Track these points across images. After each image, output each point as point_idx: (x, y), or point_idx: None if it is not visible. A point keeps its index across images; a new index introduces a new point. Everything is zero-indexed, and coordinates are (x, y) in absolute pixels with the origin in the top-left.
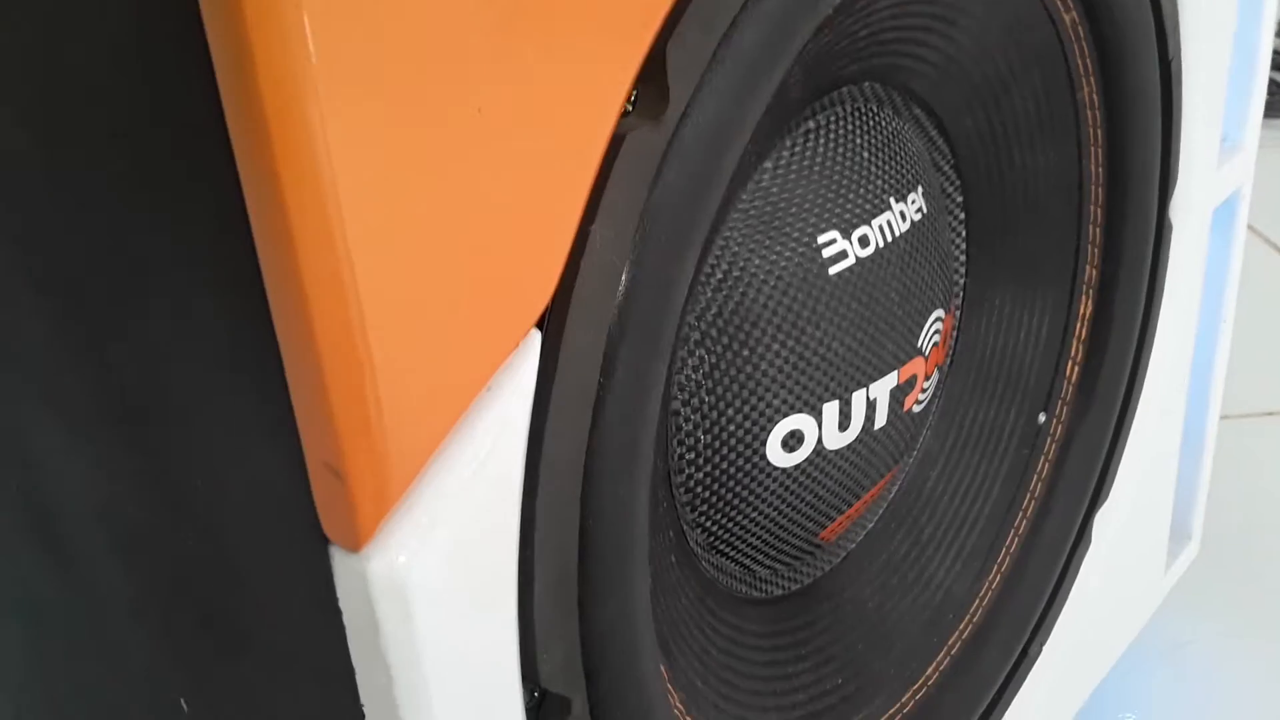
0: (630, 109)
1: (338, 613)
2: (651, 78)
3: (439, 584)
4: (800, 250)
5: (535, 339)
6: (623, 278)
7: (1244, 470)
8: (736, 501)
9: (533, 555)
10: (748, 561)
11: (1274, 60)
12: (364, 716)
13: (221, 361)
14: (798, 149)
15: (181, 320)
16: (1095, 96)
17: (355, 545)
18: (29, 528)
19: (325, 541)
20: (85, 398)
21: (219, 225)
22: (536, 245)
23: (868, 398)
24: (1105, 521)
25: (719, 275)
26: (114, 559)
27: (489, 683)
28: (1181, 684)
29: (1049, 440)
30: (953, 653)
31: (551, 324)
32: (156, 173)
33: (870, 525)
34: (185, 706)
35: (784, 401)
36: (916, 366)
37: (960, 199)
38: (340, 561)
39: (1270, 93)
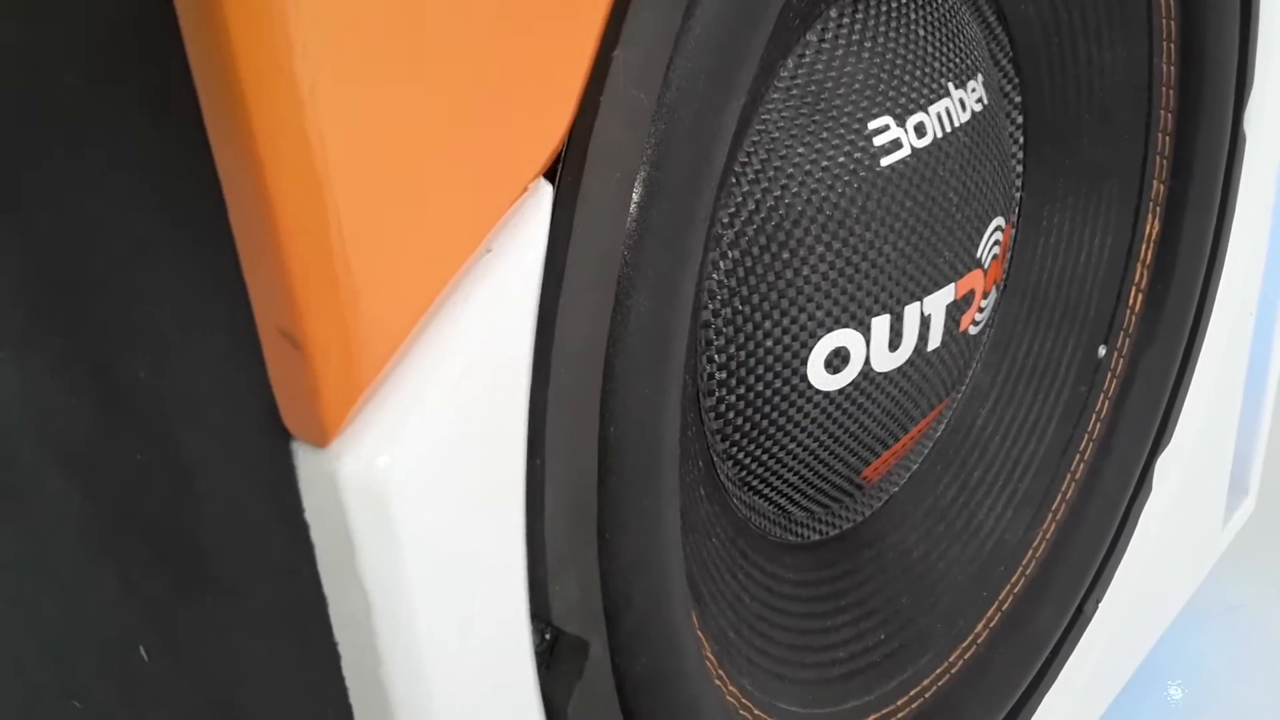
0: None
1: (305, 527)
2: None
3: (426, 492)
4: (849, 138)
5: (545, 191)
6: (652, 121)
7: None
8: (773, 429)
9: (543, 465)
10: (783, 500)
11: None
12: (340, 658)
13: (154, 201)
14: (845, 20)
15: (103, 155)
16: None
17: (321, 439)
18: None
19: (287, 436)
20: (4, 270)
21: (141, 26)
22: (542, 69)
23: (922, 313)
24: (1166, 468)
25: (756, 165)
26: (58, 479)
27: (489, 618)
28: (1233, 648)
29: (1109, 375)
30: (1004, 608)
31: (566, 174)
32: None
33: (915, 467)
34: (146, 656)
35: (828, 314)
36: (975, 280)
37: (1018, 99)
38: (305, 461)
39: None
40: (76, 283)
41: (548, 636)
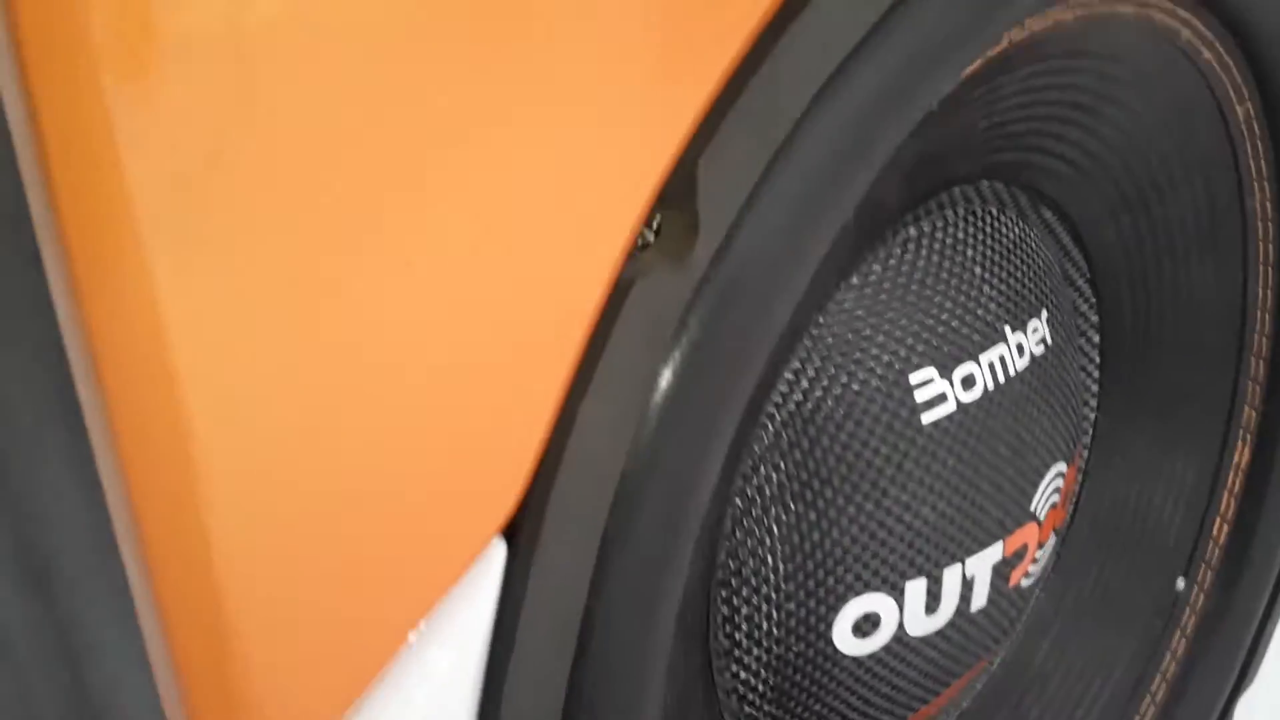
0: (647, 241)
1: None
2: (676, 201)
3: None
4: (887, 391)
5: (498, 552)
6: (621, 471)
7: None
8: (795, 692)
9: None
10: None
11: None
12: None
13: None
14: (892, 263)
15: None
16: (1269, 206)
17: None
18: None
19: None
20: None
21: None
22: (500, 431)
23: (964, 575)
24: (1250, 705)
25: (780, 419)
26: None
27: None
28: None
29: (1188, 611)
30: None
31: (524, 533)
32: None
33: (965, 704)
34: None
35: (857, 577)
36: (1028, 534)
37: (1095, 318)
38: None
39: None
40: None
41: None
